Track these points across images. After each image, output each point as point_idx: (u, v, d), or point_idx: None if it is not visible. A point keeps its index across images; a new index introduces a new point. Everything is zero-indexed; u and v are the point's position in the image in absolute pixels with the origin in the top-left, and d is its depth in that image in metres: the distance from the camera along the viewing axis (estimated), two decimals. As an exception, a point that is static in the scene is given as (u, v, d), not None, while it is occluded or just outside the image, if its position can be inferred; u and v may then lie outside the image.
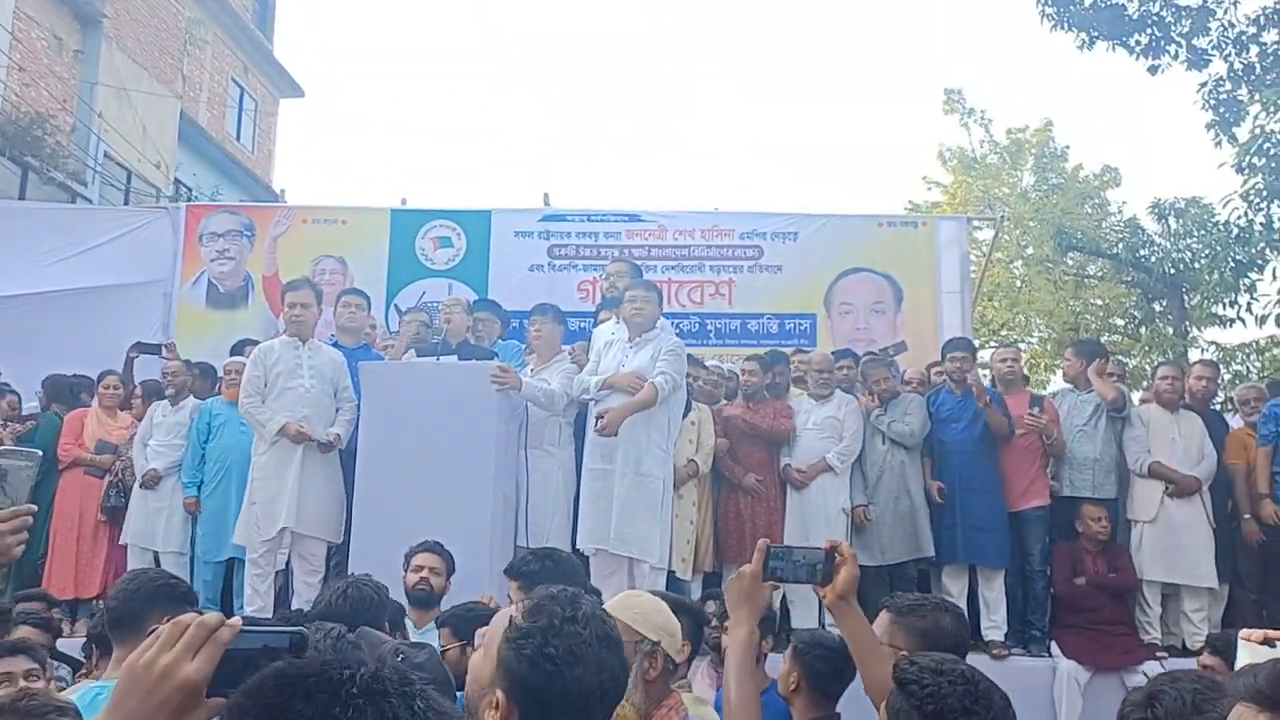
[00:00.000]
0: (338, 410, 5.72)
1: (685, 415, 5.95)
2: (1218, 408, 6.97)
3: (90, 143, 13.29)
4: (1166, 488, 6.06)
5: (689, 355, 6.04)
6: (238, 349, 6.90)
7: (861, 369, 6.60)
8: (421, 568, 4.24)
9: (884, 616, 2.56)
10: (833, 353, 6.83)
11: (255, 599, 5.46)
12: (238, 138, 18.61)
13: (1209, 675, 2.05)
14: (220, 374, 6.77)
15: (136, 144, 13.91)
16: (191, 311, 9.22)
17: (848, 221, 9.47)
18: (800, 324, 9.01)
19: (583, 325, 8.07)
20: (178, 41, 15.83)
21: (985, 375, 7.23)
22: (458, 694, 1.88)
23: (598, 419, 5.33)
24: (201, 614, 1.16)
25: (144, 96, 14.21)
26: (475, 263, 9.13)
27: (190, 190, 15.31)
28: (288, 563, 5.67)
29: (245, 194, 16.28)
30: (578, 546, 5.45)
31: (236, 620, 1.16)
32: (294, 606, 5.33)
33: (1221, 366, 9.31)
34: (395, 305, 8.99)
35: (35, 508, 1.88)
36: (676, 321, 8.60)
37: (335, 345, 6.16)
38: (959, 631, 2.51)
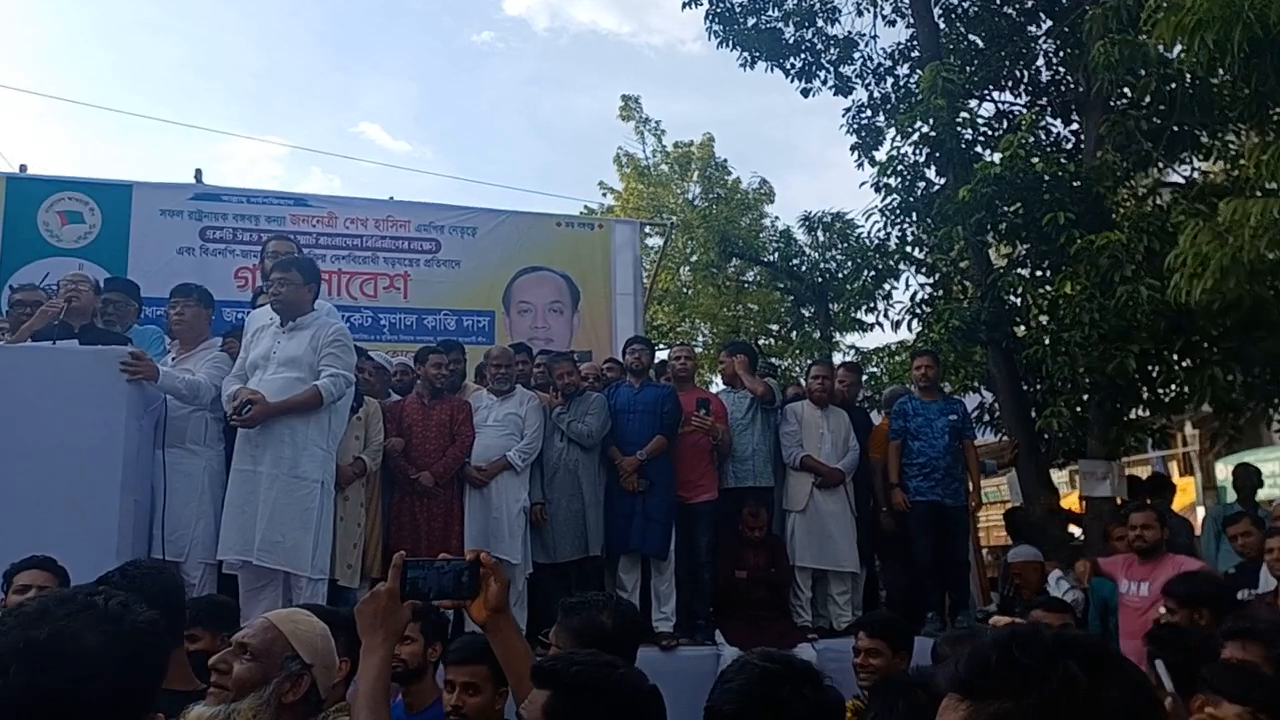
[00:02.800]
0: (-79, 402, 4.73)
1: (355, 412, 5.55)
2: (863, 405, 7.58)
3: None
4: (815, 479, 6.47)
5: (356, 347, 5.63)
6: None
7: (548, 363, 6.55)
8: (27, 588, 3.54)
9: (559, 621, 2.52)
10: (510, 347, 6.71)
11: None
12: None
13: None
14: None
15: None
16: None
17: (526, 219, 9.50)
18: (478, 321, 8.91)
19: (240, 315, 7.42)
20: None
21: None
22: None
23: (240, 408, 4.76)
24: None
25: None
26: (112, 242, 8.19)
27: None
28: None
29: None
30: (220, 558, 4.89)
31: None
32: None
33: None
34: (10, 286, 7.80)
35: None
36: (348, 315, 8.12)
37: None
38: (619, 628, 2.47)
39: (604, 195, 18.69)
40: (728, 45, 10.10)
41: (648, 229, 13.96)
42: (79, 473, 4.43)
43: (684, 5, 9.99)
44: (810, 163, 43.85)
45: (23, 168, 9.12)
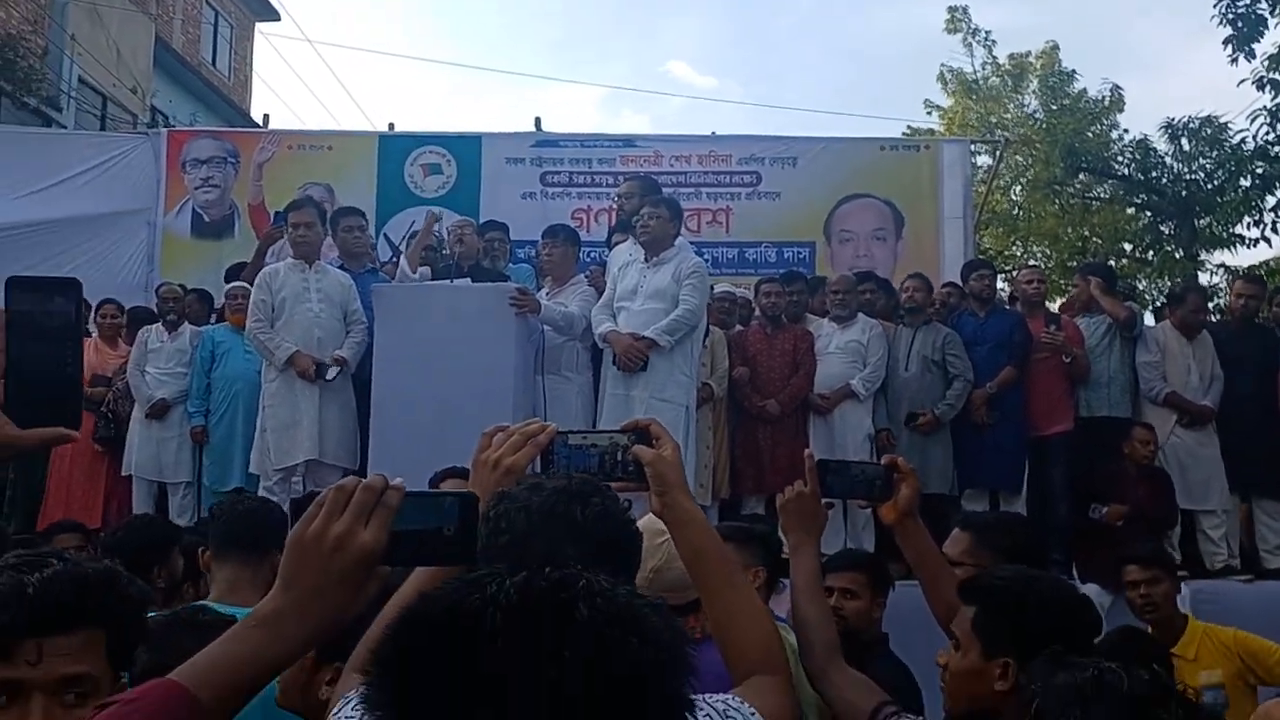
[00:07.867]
0: (348, 333, 5.52)
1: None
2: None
3: (64, 66, 12.75)
4: (1181, 417, 5.96)
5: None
6: (233, 273, 6.68)
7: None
8: (452, 493, 4.08)
9: (963, 536, 2.53)
10: (855, 274, 6.67)
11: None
12: (213, 63, 18.00)
13: None
14: (220, 300, 6.55)
15: (111, 68, 13.38)
16: (176, 241, 8.98)
17: (848, 145, 9.32)
18: (799, 252, 8.88)
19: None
20: (147, -41, 15.18)
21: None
22: None
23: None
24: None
25: (117, 19, 13.63)
26: (466, 190, 8.93)
27: (166, 117, 14.83)
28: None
29: (223, 121, 15.76)
30: (591, 473, 5.31)
31: (400, 481, 1.06)
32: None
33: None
34: (385, 234, 8.78)
35: None
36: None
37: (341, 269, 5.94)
38: (1036, 545, 2.58)
39: (929, 113, 17.80)
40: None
41: (976, 147, 13.21)
42: (476, 396, 4.95)
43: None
44: (1149, 65, 39.33)
45: (391, 126, 10.12)
